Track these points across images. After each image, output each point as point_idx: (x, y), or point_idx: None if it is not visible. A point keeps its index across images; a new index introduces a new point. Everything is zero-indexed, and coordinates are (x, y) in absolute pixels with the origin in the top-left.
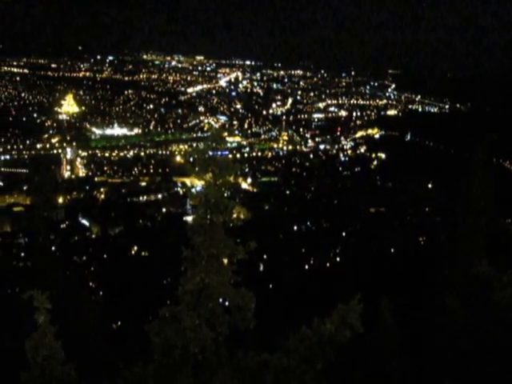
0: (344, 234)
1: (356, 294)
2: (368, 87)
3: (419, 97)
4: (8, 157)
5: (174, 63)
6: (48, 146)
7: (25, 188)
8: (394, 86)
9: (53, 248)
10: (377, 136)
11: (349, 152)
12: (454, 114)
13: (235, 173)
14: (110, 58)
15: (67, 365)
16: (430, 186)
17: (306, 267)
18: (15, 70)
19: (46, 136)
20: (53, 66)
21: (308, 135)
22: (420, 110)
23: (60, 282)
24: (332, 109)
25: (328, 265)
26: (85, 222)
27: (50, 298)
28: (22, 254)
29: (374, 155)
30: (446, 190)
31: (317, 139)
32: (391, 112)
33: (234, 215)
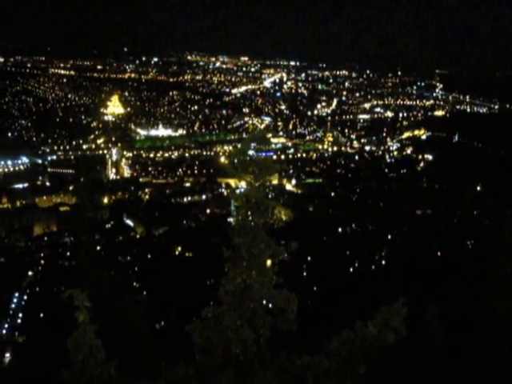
0: (390, 236)
1: (400, 297)
2: (415, 87)
3: (468, 97)
4: (55, 157)
5: (218, 64)
6: (94, 146)
7: (71, 188)
8: (441, 86)
9: (98, 248)
10: (423, 137)
11: (395, 153)
12: (504, 114)
13: (277, 173)
14: (155, 59)
15: (107, 363)
16: (478, 188)
17: (351, 270)
18: (62, 71)
19: (92, 137)
20: (99, 67)
21: (353, 136)
22: (468, 110)
23: (105, 281)
24: (378, 109)
25: (373, 268)
26: (129, 222)
27: (93, 297)
28: (68, 254)
29: (420, 156)
30: (494, 192)
31: (362, 140)
32: (438, 112)
33: (276, 216)
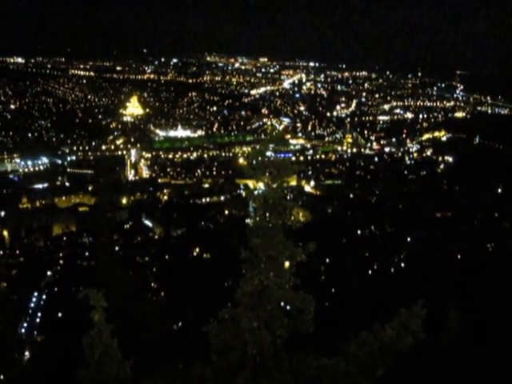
0: (409, 239)
1: (419, 300)
2: (435, 88)
3: (489, 98)
4: (74, 158)
5: (237, 65)
6: (113, 147)
7: (90, 189)
8: (462, 87)
9: (116, 248)
10: (444, 139)
11: (415, 155)
12: None
13: (295, 174)
14: (174, 60)
15: (123, 363)
16: (499, 190)
17: (369, 272)
18: (82, 72)
19: (111, 137)
20: (118, 68)
21: (373, 137)
22: (489, 111)
23: (123, 281)
24: (398, 111)
25: (392, 270)
26: (148, 222)
27: (111, 297)
28: (87, 254)
29: (440, 158)
30: None
31: (382, 142)
32: (459, 114)
33: (293, 217)
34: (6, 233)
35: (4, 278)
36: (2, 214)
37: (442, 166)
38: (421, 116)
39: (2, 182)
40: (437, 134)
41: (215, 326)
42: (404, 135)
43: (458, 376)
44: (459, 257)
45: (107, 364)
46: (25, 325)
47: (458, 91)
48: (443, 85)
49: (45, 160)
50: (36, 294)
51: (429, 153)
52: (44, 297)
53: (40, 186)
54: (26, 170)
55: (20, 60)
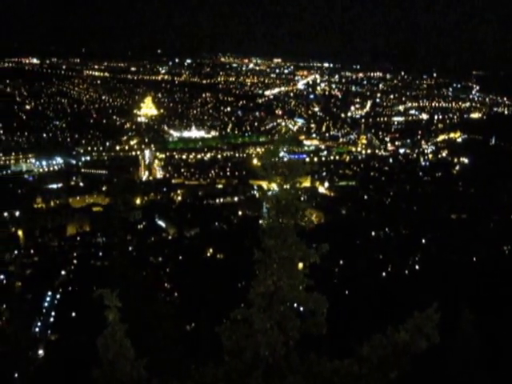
0: (424, 241)
1: (434, 302)
2: (451, 89)
3: (505, 99)
4: (88, 158)
5: (251, 66)
6: (127, 147)
7: (104, 189)
8: (478, 87)
9: (130, 248)
10: (459, 140)
11: (430, 156)
12: None
13: (308, 175)
14: (188, 61)
15: (136, 363)
16: None
17: (383, 274)
18: (96, 73)
19: (125, 138)
20: (132, 69)
21: (387, 139)
22: (506, 112)
23: (136, 281)
24: (412, 112)
25: (406, 272)
26: (161, 223)
27: (125, 297)
28: (100, 254)
29: (456, 160)
30: None
31: (396, 143)
32: (475, 115)
33: (306, 218)
34: (20, 232)
35: (19, 277)
36: (17, 213)
37: (457, 168)
38: (436, 117)
39: (16, 182)
40: (452, 135)
41: (228, 327)
42: (419, 136)
43: (472, 380)
44: (474, 259)
45: (121, 364)
46: (39, 324)
47: (473, 92)
48: (459, 85)
49: (59, 160)
50: (50, 293)
51: (444, 154)
52: (58, 296)
53: (54, 186)
54: (41, 170)
55: (35, 61)
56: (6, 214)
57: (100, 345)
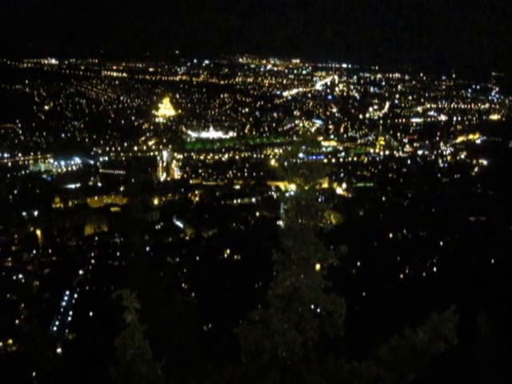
0: (442, 243)
1: (452, 304)
2: (470, 90)
3: None
4: (106, 158)
5: (269, 66)
6: (145, 148)
7: (122, 189)
8: (497, 88)
9: (147, 248)
10: (478, 141)
11: (448, 158)
12: None
13: (327, 176)
14: (207, 61)
15: (154, 364)
16: None
17: (401, 276)
18: (114, 74)
19: (143, 138)
20: (151, 69)
21: (405, 140)
22: None
23: (153, 282)
24: (431, 113)
25: (424, 274)
26: (179, 223)
27: (142, 298)
28: (118, 254)
29: (474, 161)
30: None
31: (415, 144)
32: (494, 116)
33: (326, 219)
34: (38, 232)
35: (37, 276)
36: (36, 213)
37: (476, 170)
38: (455, 118)
39: (35, 182)
40: (471, 136)
41: (245, 328)
42: (437, 138)
43: (490, 381)
44: (493, 262)
45: (139, 364)
46: (56, 323)
47: (493, 93)
48: (478, 87)
49: (77, 160)
50: (68, 292)
51: (463, 156)
52: (75, 296)
53: (73, 186)
54: (59, 170)
55: (54, 61)
56: (24, 213)
57: (118, 345)
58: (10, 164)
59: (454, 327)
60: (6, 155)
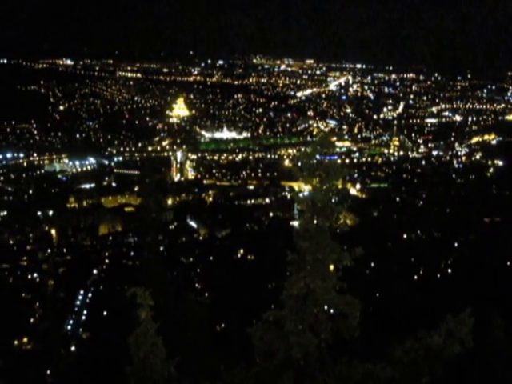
0: (456, 244)
1: (466, 307)
2: (485, 91)
3: None
4: (121, 158)
5: (283, 67)
6: (159, 148)
7: (136, 189)
8: None
9: (161, 248)
10: (494, 142)
11: (463, 158)
12: None
13: (343, 177)
14: (221, 62)
15: (167, 362)
16: None
17: (415, 277)
18: (129, 74)
19: (157, 139)
20: (165, 70)
21: (420, 141)
22: None
23: (167, 281)
24: (446, 113)
25: (438, 276)
26: (193, 223)
27: (155, 296)
28: (132, 253)
29: (490, 162)
30: None
31: (429, 145)
32: (510, 117)
33: (341, 220)
34: (53, 231)
35: (51, 275)
36: (51, 213)
37: (491, 170)
38: (470, 119)
39: (50, 182)
40: (486, 137)
41: (259, 328)
42: (452, 138)
43: None
44: (508, 263)
45: (152, 362)
46: (71, 322)
47: (509, 93)
48: (494, 87)
49: (92, 160)
50: (82, 291)
51: (478, 156)
52: (90, 295)
53: (87, 186)
54: (74, 170)
55: (69, 62)
56: (39, 213)
57: (132, 343)
58: (25, 164)
59: (470, 330)
60: (21, 155)
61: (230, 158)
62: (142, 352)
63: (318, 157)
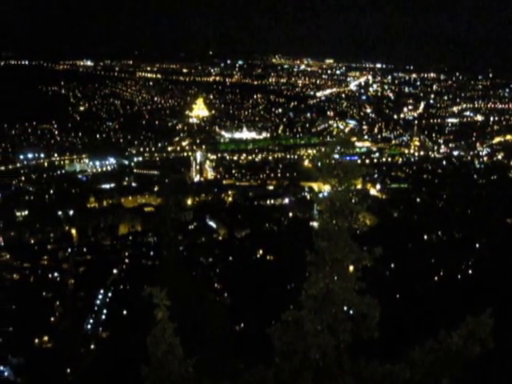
0: (477, 245)
1: (486, 308)
2: (507, 90)
3: None
4: (140, 158)
5: (303, 67)
6: (178, 148)
7: (156, 189)
8: None
9: (180, 248)
10: None
11: (485, 159)
12: None
13: (362, 178)
14: (240, 62)
15: (185, 362)
16: None
17: (436, 278)
18: (149, 75)
19: (177, 139)
20: (184, 70)
21: (441, 141)
22: None
23: (186, 281)
24: (467, 113)
25: (459, 277)
26: (212, 223)
27: (174, 297)
28: (152, 253)
29: None
30: None
31: (450, 145)
32: None
33: (360, 221)
34: (74, 231)
35: (72, 275)
36: (71, 213)
37: None
38: (492, 118)
39: (71, 182)
40: (509, 137)
41: (278, 328)
42: (474, 138)
43: None
44: None
45: (170, 362)
46: (91, 321)
47: None
48: None
49: (112, 161)
50: (102, 291)
51: (500, 157)
52: (109, 294)
53: (107, 186)
54: (94, 170)
55: (89, 63)
56: (60, 213)
57: (149, 343)
58: (46, 164)
59: (491, 331)
60: (42, 155)
61: (250, 158)
62: (160, 352)
63: (336, 156)
